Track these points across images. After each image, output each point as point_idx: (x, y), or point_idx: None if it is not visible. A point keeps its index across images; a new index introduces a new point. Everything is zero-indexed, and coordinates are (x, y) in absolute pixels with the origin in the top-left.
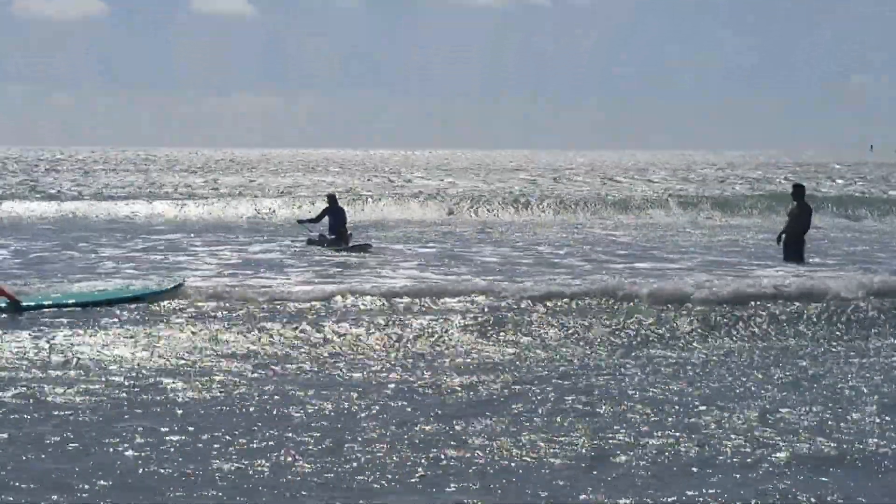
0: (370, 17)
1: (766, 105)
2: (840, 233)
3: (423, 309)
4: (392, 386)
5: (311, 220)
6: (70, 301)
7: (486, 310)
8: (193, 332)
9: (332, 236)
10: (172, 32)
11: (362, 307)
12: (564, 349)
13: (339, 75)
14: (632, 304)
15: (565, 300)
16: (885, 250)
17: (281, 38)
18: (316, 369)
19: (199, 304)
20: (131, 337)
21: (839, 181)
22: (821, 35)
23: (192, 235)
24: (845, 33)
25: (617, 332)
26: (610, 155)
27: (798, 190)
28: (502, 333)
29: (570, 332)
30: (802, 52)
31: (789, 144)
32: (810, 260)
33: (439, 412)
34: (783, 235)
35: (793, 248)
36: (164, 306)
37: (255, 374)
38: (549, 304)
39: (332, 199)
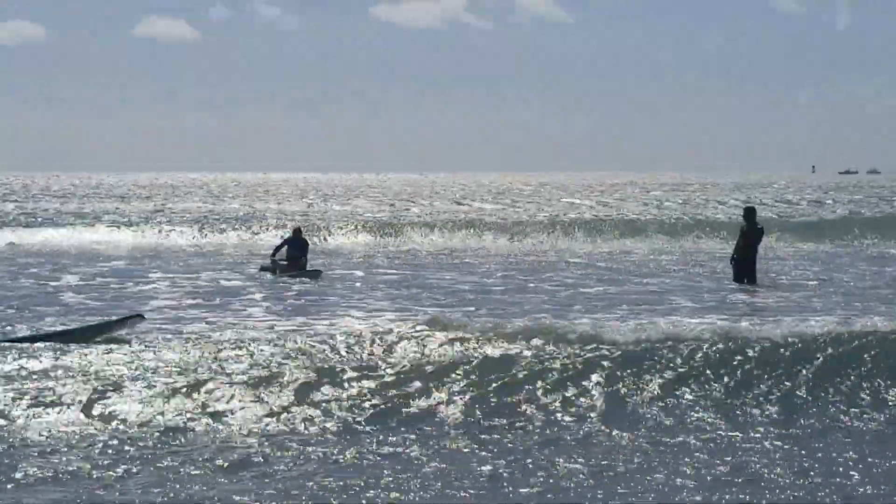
0: (312, 39)
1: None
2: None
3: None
4: None
5: (275, 253)
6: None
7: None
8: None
9: (285, 262)
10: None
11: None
12: None
13: (279, 97)
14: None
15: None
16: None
17: (224, 59)
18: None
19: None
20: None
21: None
22: (759, 55)
23: (147, 263)
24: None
25: None
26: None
27: (749, 212)
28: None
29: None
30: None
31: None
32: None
33: None
34: (735, 256)
35: (745, 267)
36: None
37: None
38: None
39: (297, 231)
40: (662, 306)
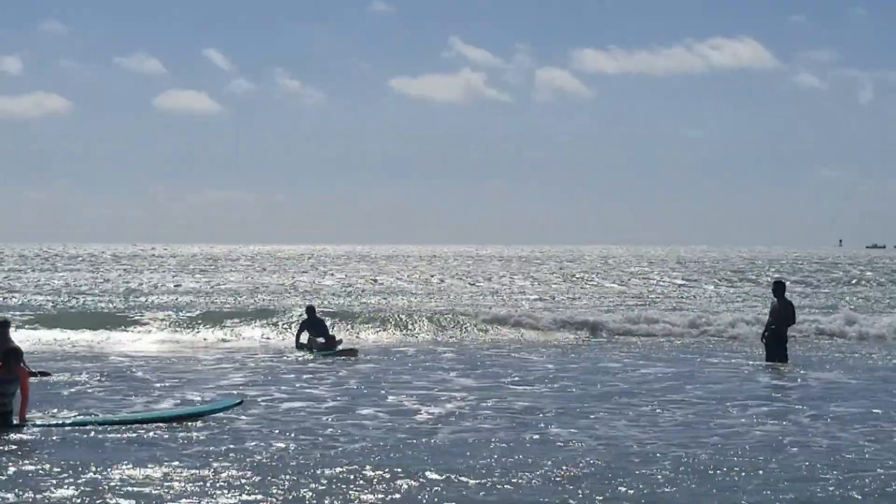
0: (337, 112)
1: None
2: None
3: None
4: None
5: (299, 341)
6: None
7: None
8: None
9: (321, 340)
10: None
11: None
12: None
13: (308, 171)
14: None
15: None
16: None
17: (247, 134)
18: None
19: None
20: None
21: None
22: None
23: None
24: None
25: None
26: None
27: (779, 286)
28: None
29: None
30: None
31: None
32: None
33: None
34: (766, 333)
35: (775, 346)
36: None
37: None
38: None
39: (310, 310)
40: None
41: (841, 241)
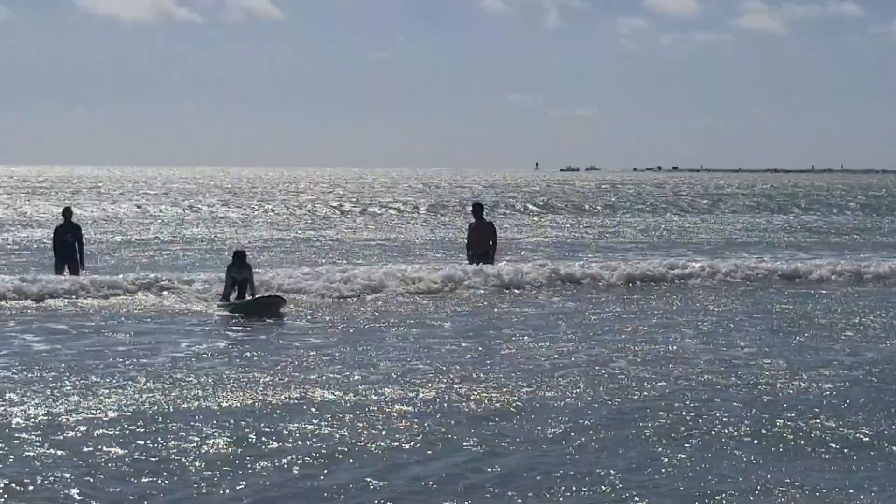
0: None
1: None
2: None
3: None
4: None
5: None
6: None
7: None
8: None
9: (235, 294)
10: None
11: None
12: None
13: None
14: None
15: None
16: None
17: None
18: None
19: None
20: None
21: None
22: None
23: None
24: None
25: None
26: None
27: (478, 208)
28: None
29: None
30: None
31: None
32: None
33: None
34: (471, 254)
35: (481, 261)
36: None
37: None
38: None
39: (240, 255)
40: None
41: (537, 164)
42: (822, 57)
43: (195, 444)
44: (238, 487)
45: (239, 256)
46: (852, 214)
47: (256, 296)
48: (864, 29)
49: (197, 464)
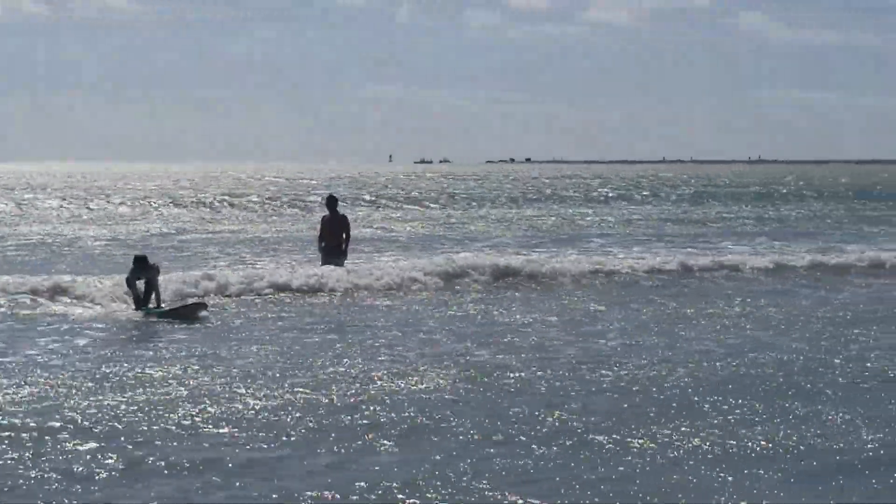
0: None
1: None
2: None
3: None
4: None
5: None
6: None
7: None
8: None
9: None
10: None
11: None
12: None
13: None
14: None
15: None
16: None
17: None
18: None
19: None
20: None
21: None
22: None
23: None
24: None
25: None
26: None
27: (332, 201)
28: None
29: None
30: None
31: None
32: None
33: None
34: (323, 244)
35: (334, 254)
36: None
37: None
38: None
39: (141, 260)
40: None
41: (391, 156)
42: (671, 48)
43: None
44: None
45: (140, 261)
46: (674, 205)
47: (176, 302)
48: (713, 21)
49: None
